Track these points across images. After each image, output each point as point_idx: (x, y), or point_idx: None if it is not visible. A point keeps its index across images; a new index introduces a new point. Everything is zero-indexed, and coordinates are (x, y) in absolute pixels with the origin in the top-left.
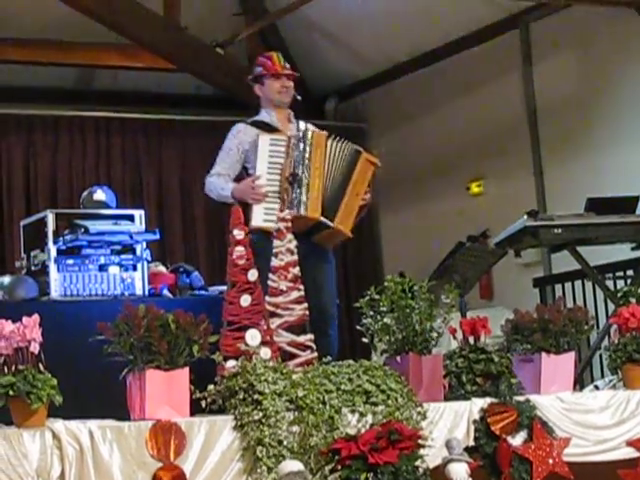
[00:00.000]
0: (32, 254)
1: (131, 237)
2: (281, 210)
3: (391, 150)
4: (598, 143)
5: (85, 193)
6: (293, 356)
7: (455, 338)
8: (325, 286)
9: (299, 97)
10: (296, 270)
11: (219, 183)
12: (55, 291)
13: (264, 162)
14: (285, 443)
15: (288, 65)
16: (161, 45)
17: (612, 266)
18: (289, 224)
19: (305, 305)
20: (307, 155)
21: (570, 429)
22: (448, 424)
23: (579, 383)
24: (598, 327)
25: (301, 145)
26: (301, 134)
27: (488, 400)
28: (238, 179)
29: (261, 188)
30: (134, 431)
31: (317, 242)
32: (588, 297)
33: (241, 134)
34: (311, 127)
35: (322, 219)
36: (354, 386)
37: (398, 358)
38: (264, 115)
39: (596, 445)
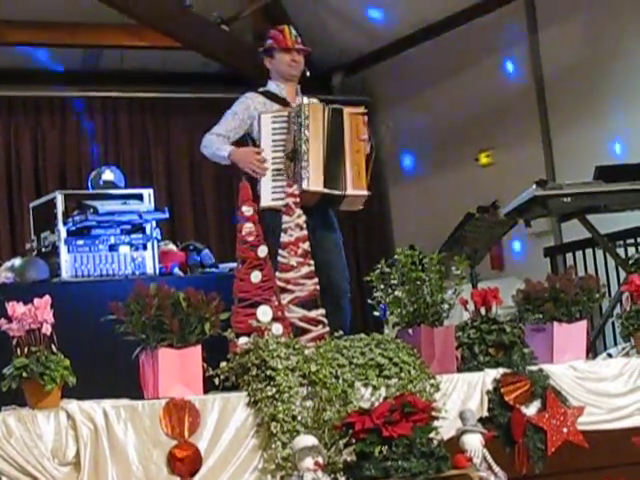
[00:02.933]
0: (42, 236)
1: (140, 216)
2: (287, 185)
3: (398, 123)
4: (606, 110)
5: (94, 173)
6: (305, 331)
7: (467, 309)
8: (335, 258)
9: (308, 73)
10: (306, 245)
11: (216, 142)
12: (66, 272)
13: (268, 140)
14: (299, 418)
15: (300, 39)
16: (166, 23)
17: (623, 233)
18: (297, 199)
19: (316, 280)
20: (304, 129)
21: (584, 397)
22: (461, 395)
23: (592, 351)
24: (610, 295)
25: (298, 119)
26: (298, 108)
27: (501, 370)
28: (238, 144)
29: (264, 162)
30: (148, 410)
31: (345, 211)
32: (599, 265)
33: (249, 100)
34: (314, 100)
35: (326, 190)
36: (367, 360)
37: (410, 331)
38: (273, 87)
39: (610, 413)
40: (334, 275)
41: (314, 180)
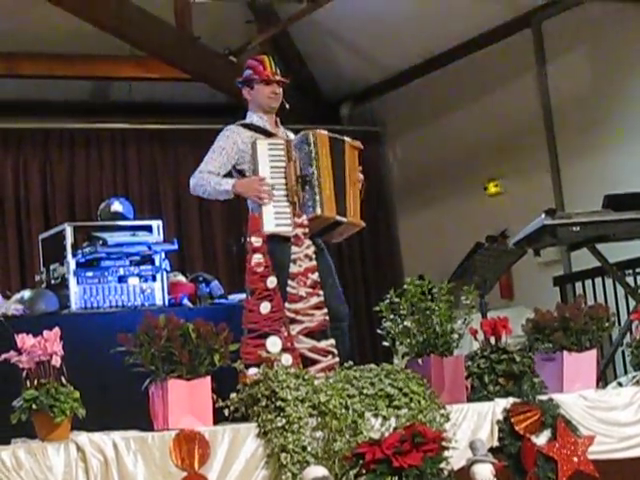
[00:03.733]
0: (51, 267)
1: (149, 248)
2: (296, 215)
3: (407, 153)
4: (614, 139)
5: (102, 205)
6: (314, 362)
7: (476, 339)
8: (332, 282)
9: (287, 105)
10: (315, 276)
11: (213, 179)
12: (75, 304)
13: (266, 166)
14: (309, 449)
15: (279, 70)
16: (174, 55)
17: (632, 262)
18: (307, 230)
19: (325, 311)
20: (314, 156)
21: (594, 427)
22: (472, 425)
23: (602, 380)
24: (619, 324)
25: (305, 147)
26: (302, 136)
27: (511, 400)
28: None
29: (268, 188)
30: (158, 441)
31: (326, 240)
32: (609, 294)
33: (235, 135)
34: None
35: (338, 217)
36: (376, 390)
37: (420, 361)
38: (255, 119)
39: (620, 442)
40: (334, 300)
41: (328, 206)
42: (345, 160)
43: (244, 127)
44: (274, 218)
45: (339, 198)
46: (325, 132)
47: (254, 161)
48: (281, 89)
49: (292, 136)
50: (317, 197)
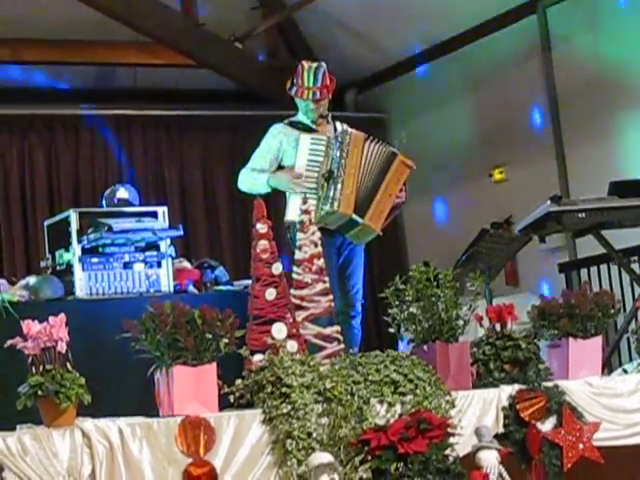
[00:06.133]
0: (57, 254)
1: (155, 234)
2: (304, 202)
3: (412, 140)
4: (619, 125)
5: (108, 191)
6: (320, 348)
7: (482, 325)
8: (354, 279)
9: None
10: (320, 262)
11: (253, 175)
12: (81, 290)
13: (303, 159)
14: (314, 435)
15: (320, 78)
16: (179, 41)
17: (637, 249)
18: (312, 216)
19: (330, 297)
20: (344, 154)
21: (599, 413)
22: (477, 412)
23: (607, 367)
24: (625, 311)
25: (338, 144)
26: (339, 134)
27: (516, 387)
28: None
29: (301, 180)
30: (163, 427)
31: (350, 238)
32: (614, 281)
33: (282, 135)
34: (349, 129)
35: (353, 215)
36: (382, 376)
37: (425, 347)
38: (302, 117)
39: (626, 429)
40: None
41: (345, 203)
42: (389, 170)
43: (291, 125)
44: (299, 209)
45: (363, 199)
46: (363, 135)
47: (295, 152)
48: (322, 96)
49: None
50: (337, 194)
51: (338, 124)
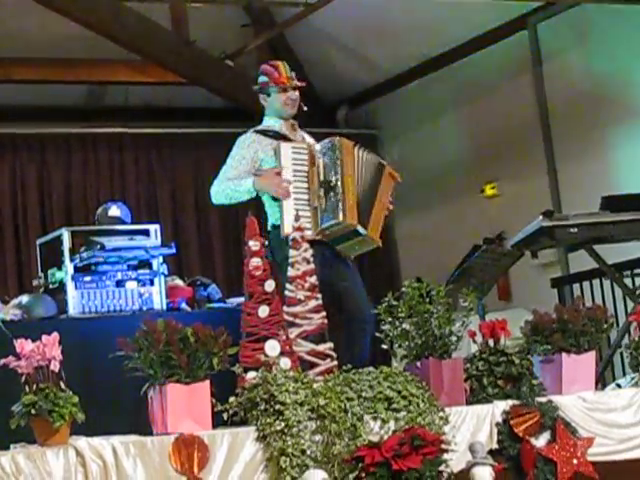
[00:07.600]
0: (49, 272)
1: (147, 252)
2: (296, 218)
3: (404, 156)
4: (611, 140)
5: (100, 209)
6: (313, 365)
7: (475, 341)
8: (359, 286)
9: (305, 107)
10: (313, 279)
11: (231, 183)
12: (73, 308)
13: (289, 169)
14: (308, 452)
15: (294, 74)
16: (170, 59)
17: (630, 263)
18: (304, 233)
19: (323, 314)
20: (338, 162)
21: (593, 428)
22: (471, 428)
23: (601, 382)
24: (618, 325)
25: (331, 153)
26: (329, 142)
27: (510, 402)
28: None
29: (286, 182)
30: (157, 445)
31: (341, 250)
32: (607, 296)
33: (255, 144)
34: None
35: (359, 226)
36: (375, 393)
37: (418, 363)
38: (272, 124)
39: (620, 444)
40: (360, 302)
41: (350, 214)
42: (381, 182)
43: (262, 134)
44: (295, 221)
45: (363, 211)
46: (350, 142)
47: (278, 164)
48: (297, 94)
49: (309, 139)
50: (340, 204)
51: (305, 135)
